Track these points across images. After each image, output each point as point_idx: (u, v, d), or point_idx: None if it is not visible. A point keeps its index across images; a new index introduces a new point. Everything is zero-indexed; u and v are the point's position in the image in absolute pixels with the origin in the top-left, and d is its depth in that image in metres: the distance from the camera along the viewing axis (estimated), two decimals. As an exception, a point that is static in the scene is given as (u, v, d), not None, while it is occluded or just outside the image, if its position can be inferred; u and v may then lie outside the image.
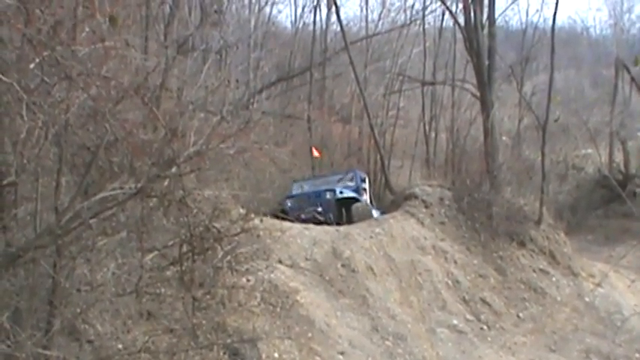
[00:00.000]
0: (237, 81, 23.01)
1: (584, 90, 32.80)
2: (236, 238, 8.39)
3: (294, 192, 19.09)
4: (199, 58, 18.12)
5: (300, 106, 21.92)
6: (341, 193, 18.15)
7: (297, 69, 25.08)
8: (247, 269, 10.71)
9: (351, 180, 19.43)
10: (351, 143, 23.71)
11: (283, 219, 15.47)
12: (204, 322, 9.71)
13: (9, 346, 5.95)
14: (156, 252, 7.61)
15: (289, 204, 17.91)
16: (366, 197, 19.10)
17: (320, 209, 17.82)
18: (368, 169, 21.69)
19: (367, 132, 22.13)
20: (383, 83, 25.54)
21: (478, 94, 18.51)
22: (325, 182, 19.56)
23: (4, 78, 5.14)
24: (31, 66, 6.05)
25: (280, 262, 12.28)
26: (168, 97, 10.59)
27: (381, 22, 27.25)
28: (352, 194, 18.47)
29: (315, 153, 21.18)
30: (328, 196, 18.04)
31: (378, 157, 21.03)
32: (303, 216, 17.45)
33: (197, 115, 9.46)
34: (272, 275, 12.34)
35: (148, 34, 13.02)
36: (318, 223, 17.25)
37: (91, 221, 5.89)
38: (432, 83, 22.78)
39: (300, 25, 26.98)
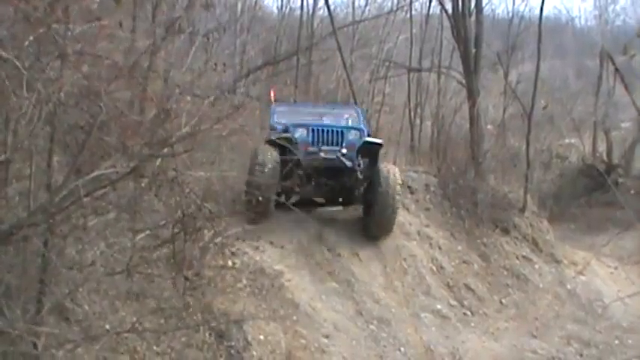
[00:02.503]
0: (224, 64, 23.05)
1: (569, 80, 33.03)
2: (226, 218, 8.44)
3: (280, 121, 15.12)
4: (186, 40, 18.07)
5: (286, 91, 21.90)
6: (369, 135, 14.68)
7: (283, 54, 25.09)
8: (233, 252, 10.80)
9: (356, 119, 15.80)
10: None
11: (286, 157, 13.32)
12: (190, 303, 9.78)
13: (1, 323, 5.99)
14: (147, 232, 7.65)
15: (298, 134, 14.00)
16: None
17: (344, 150, 13.88)
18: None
19: (353, 117, 22.16)
20: (369, 69, 25.60)
21: (464, 81, 18.60)
22: (328, 114, 15.88)
23: (4, 54, 5.14)
24: (25, 44, 6.06)
25: (267, 244, 12.31)
26: (156, 78, 10.58)
27: (367, 8, 27.28)
28: (379, 140, 14.95)
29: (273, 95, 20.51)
30: (352, 135, 14.16)
31: (363, 142, 21.06)
32: (322, 155, 13.81)
33: (184, 98, 9.50)
34: (258, 258, 12.42)
35: (136, 15, 12.97)
36: (335, 174, 14.07)
37: (84, 200, 5.92)
38: (419, 70, 22.85)
39: (287, 10, 26.97)
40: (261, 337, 11.02)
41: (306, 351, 11.52)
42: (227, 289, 10.72)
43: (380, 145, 14.59)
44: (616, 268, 14.75)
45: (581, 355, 13.23)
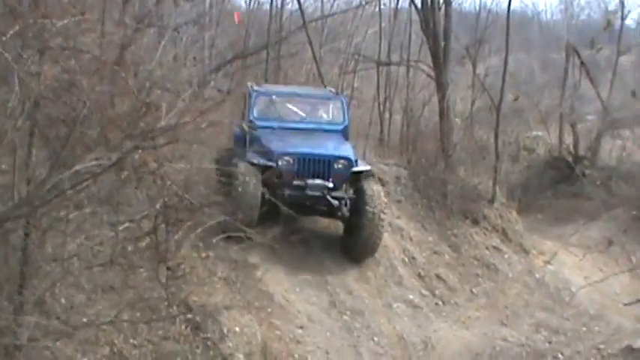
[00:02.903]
0: (194, 58, 23.08)
1: (535, 73, 33.34)
2: (206, 209, 8.54)
3: (260, 118, 14.53)
4: (155, 35, 18.07)
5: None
6: (356, 162, 13.93)
7: (252, 47, 25.10)
8: (209, 244, 10.90)
9: (339, 111, 15.20)
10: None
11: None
12: (170, 294, 9.86)
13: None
14: (128, 223, 7.73)
15: (284, 163, 13.43)
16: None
17: (330, 184, 13.43)
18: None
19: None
20: (337, 63, 25.67)
21: (433, 75, 18.76)
22: (312, 113, 15.20)
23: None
24: (4, 38, 6.11)
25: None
26: (127, 72, 10.60)
27: (336, 2, 27.35)
28: (367, 167, 14.37)
29: (237, 18, 20.06)
30: (341, 165, 13.64)
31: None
32: (308, 192, 13.36)
33: (154, 92, 9.57)
34: (231, 251, 12.51)
35: (105, 9, 12.97)
36: (319, 207, 13.69)
37: (68, 193, 5.99)
38: (388, 64, 22.94)
39: (256, 5, 26.99)
40: (237, 328, 11.13)
41: (281, 342, 11.66)
42: (204, 281, 10.82)
43: (369, 171, 14.21)
44: (583, 256, 15.01)
45: (550, 342, 13.46)
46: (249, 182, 13.06)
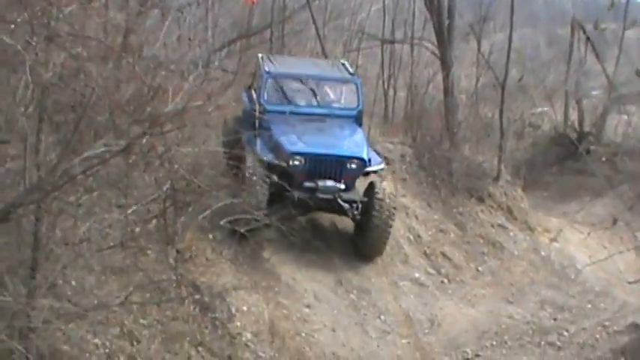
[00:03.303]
0: (198, 39, 23.05)
1: (540, 48, 33.24)
2: (213, 193, 8.62)
3: (270, 101, 13.96)
4: (158, 16, 18.07)
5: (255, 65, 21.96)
6: (370, 160, 13.35)
7: (256, 27, 25.06)
8: (217, 225, 10.99)
9: (354, 94, 14.57)
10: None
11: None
12: (179, 275, 9.98)
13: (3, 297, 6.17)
14: (137, 206, 7.82)
15: (295, 163, 12.90)
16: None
17: (342, 185, 13.03)
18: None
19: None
20: (342, 41, 25.64)
21: (438, 52, 18.77)
22: (327, 97, 14.65)
23: (6, 39, 5.26)
24: (12, 26, 6.17)
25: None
26: (132, 54, 10.65)
27: (339, -21, 27.25)
28: (381, 160, 14.05)
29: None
30: (354, 165, 13.18)
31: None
32: (319, 195, 12.92)
33: (162, 73, 9.62)
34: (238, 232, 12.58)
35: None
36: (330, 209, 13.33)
37: (78, 178, 6.08)
38: (392, 42, 22.93)
39: (259, -18, 26.88)
40: (245, 308, 11.24)
41: (288, 321, 11.76)
42: (212, 262, 10.92)
43: (381, 170, 13.86)
44: (588, 234, 15.05)
45: (555, 320, 13.52)
46: (257, 181, 12.68)
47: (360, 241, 13.61)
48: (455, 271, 14.56)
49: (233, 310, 10.94)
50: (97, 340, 8.42)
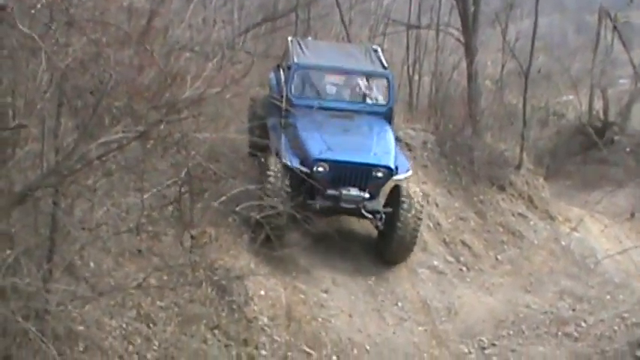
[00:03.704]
0: (223, 21, 23.07)
1: (568, 36, 33.01)
2: (230, 179, 8.68)
3: (297, 93, 13.61)
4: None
5: (285, 47, 21.97)
6: (396, 168, 12.80)
7: (281, 10, 25.07)
8: (235, 210, 11.04)
9: (385, 91, 14.12)
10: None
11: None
12: (195, 260, 10.05)
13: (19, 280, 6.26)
14: (154, 191, 7.89)
15: (319, 168, 12.41)
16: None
17: (366, 194, 12.56)
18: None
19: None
20: (368, 25, 25.60)
21: (462, 39, 18.69)
22: (354, 94, 14.20)
23: (24, 29, 5.32)
24: (33, 11, 6.23)
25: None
26: (156, 36, 10.71)
27: (366, -37, 27.15)
28: (408, 167, 13.38)
29: None
30: (380, 174, 12.66)
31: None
32: (343, 204, 12.53)
33: (186, 56, 9.66)
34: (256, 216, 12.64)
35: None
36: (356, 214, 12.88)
37: (95, 163, 6.14)
38: (417, 27, 22.85)
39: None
40: (262, 292, 11.31)
41: (305, 305, 11.81)
42: (229, 246, 10.99)
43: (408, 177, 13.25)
44: (605, 227, 14.97)
45: (573, 310, 13.48)
46: (280, 186, 12.26)
47: (384, 248, 13.26)
48: (474, 260, 14.53)
49: (250, 294, 11.01)
50: (113, 322, 8.52)
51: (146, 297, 9.35)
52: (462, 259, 14.39)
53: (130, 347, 8.62)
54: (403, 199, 12.77)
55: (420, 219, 12.93)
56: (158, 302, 9.54)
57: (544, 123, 22.93)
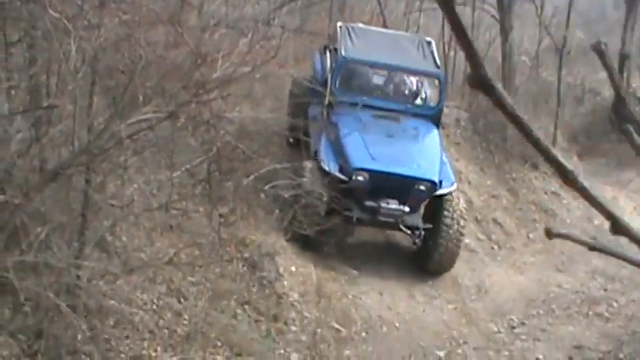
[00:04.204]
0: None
1: (606, 11, 32.51)
2: (260, 158, 8.75)
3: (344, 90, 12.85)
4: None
5: (320, 23, 21.91)
6: (440, 182, 12.07)
7: (318, -15, 24.98)
8: (265, 188, 11.14)
9: (436, 90, 13.58)
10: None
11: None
12: (225, 237, 10.15)
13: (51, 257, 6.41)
14: (184, 169, 7.99)
15: (358, 177, 11.78)
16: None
17: (407, 208, 11.89)
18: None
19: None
20: (404, 1, 25.46)
21: (498, 16, 18.57)
22: (400, 93, 13.56)
23: (53, 13, 5.41)
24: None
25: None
26: (190, 11, 10.79)
27: (403, -61, 26.95)
28: (453, 181, 12.53)
29: None
30: (423, 187, 11.94)
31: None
32: (380, 217, 11.88)
33: (218, 30, 9.71)
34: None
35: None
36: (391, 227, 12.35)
37: (125, 142, 6.25)
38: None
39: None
40: (293, 268, 11.40)
41: (335, 282, 11.89)
42: (260, 223, 11.09)
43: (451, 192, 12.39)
44: (634, 208, 14.81)
45: (605, 290, 13.44)
46: (313, 192, 11.67)
47: (423, 262, 12.63)
48: (505, 238, 14.52)
49: (281, 270, 11.09)
50: (144, 297, 8.65)
51: (177, 272, 9.48)
52: (493, 237, 14.38)
53: (161, 322, 8.76)
54: (446, 213, 12.13)
55: (462, 234, 12.37)
56: (189, 278, 9.68)
57: (579, 101, 22.70)
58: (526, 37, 23.05)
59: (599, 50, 3.02)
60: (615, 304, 12.81)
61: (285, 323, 10.47)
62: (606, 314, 12.54)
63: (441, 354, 10.91)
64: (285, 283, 11.03)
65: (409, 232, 12.13)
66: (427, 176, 11.97)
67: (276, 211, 12.01)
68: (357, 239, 12.91)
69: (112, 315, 7.76)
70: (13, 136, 6.09)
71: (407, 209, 11.88)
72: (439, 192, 12.11)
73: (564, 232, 2.81)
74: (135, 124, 6.20)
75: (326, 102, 12.58)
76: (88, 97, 6.66)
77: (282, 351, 9.83)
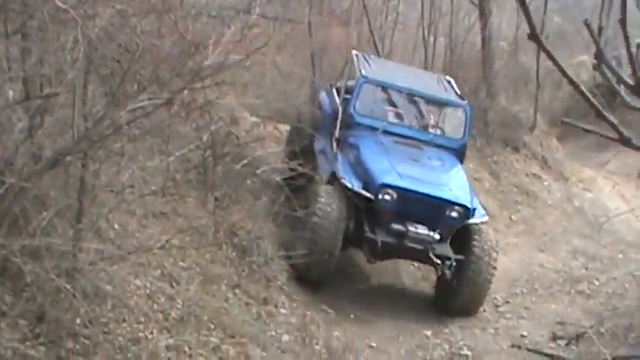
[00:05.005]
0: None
1: (582, -4, 32.81)
2: (252, 144, 8.94)
3: (362, 113, 11.98)
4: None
5: (300, 11, 22.07)
6: (474, 210, 11.08)
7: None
8: (255, 173, 11.31)
9: (460, 124, 12.49)
10: (350, 48, 23.91)
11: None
12: (218, 221, 10.33)
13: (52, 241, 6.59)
14: (178, 154, 8.17)
15: (384, 197, 10.65)
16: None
17: (437, 235, 10.73)
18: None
19: (367, 36, 22.42)
20: (383, -13, 25.64)
21: (476, 2, 18.79)
22: (424, 126, 12.49)
23: (59, 3, 5.57)
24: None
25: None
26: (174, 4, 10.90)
27: None
28: (484, 213, 11.68)
29: None
30: (455, 213, 10.88)
31: (378, 62, 21.30)
32: (408, 243, 10.64)
33: (200, 20, 9.86)
34: (277, 178, 12.92)
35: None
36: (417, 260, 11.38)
37: (123, 129, 6.44)
38: (432, -11, 22.85)
39: None
40: (281, 252, 11.60)
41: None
42: (249, 208, 11.26)
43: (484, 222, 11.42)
44: (613, 186, 15.16)
45: (586, 269, 13.75)
46: (331, 216, 10.77)
47: (448, 300, 11.50)
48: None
49: (269, 255, 11.28)
50: (138, 281, 8.80)
51: (169, 257, 9.65)
52: (476, 219, 14.60)
53: (155, 305, 8.90)
54: (475, 243, 11.09)
55: (494, 268, 11.30)
56: (180, 263, 9.82)
57: (558, 84, 22.96)
58: (505, 22, 23.29)
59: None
60: (596, 282, 13.12)
61: (275, 306, 10.66)
62: (587, 292, 12.84)
63: (428, 333, 11.15)
64: (274, 267, 11.21)
65: (439, 262, 10.80)
66: (461, 201, 10.99)
67: (264, 198, 12.20)
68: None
69: (109, 299, 7.91)
70: (15, 124, 6.25)
71: (437, 236, 10.76)
72: (472, 220, 11.13)
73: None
74: (132, 111, 6.37)
75: (336, 135, 11.70)
76: (83, 86, 6.81)
77: (273, 333, 10.01)
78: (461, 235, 11.16)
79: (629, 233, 15.15)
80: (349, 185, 10.92)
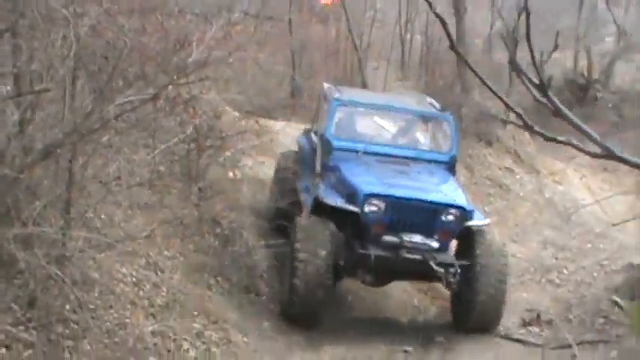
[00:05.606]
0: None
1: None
2: (235, 137, 9.25)
3: (339, 136, 11.09)
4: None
5: (280, 9, 22.39)
6: (472, 212, 10.20)
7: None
8: (237, 165, 11.64)
9: (447, 138, 11.67)
10: (329, 45, 24.30)
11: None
12: (201, 211, 10.68)
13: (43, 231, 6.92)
14: (164, 147, 8.49)
15: (371, 209, 9.84)
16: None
17: (435, 243, 9.87)
18: (345, 70, 22.35)
19: (345, 34, 22.79)
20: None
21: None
22: (409, 144, 11.66)
23: (52, 2, 5.90)
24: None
25: (268, 158, 13.06)
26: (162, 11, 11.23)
27: None
28: (484, 217, 11.02)
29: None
30: (451, 217, 9.97)
31: (356, 58, 21.67)
32: (404, 254, 9.71)
33: (183, 17, 10.21)
34: (257, 170, 13.26)
35: None
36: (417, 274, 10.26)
37: (110, 123, 6.78)
38: (409, -13, 23.28)
39: None
40: (262, 242, 11.94)
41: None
42: (232, 199, 11.59)
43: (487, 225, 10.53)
44: (581, 178, 15.58)
45: (556, 259, 14.16)
46: (318, 238, 9.87)
47: (463, 317, 10.56)
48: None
49: (250, 245, 11.61)
50: (124, 270, 9.12)
51: (154, 247, 9.97)
52: (451, 210, 14.97)
53: (141, 293, 9.23)
54: (479, 248, 10.21)
55: (506, 274, 10.41)
56: (165, 252, 10.16)
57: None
58: (480, 19, 23.70)
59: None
60: (565, 271, 13.53)
61: (257, 294, 11.01)
62: (557, 280, 13.26)
63: (404, 320, 11.51)
64: (256, 257, 11.54)
65: (442, 270, 9.76)
66: (455, 202, 10.16)
67: (246, 190, 12.54)
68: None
69: (97, 286, 8.23)
70: (7, 118, 6.58)
71: (435, 244, 9.94)
72: (471, 223, 10.24)
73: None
74: (120, 106, 6.72)
75: (317, 169, 10.91)
76: (72, 82, 7.14)
77: (254, 319, 10.34)
78: (464, 241, 10.45)
79: (597, 224, 15.60)
80: (332, 203, 10.13)
